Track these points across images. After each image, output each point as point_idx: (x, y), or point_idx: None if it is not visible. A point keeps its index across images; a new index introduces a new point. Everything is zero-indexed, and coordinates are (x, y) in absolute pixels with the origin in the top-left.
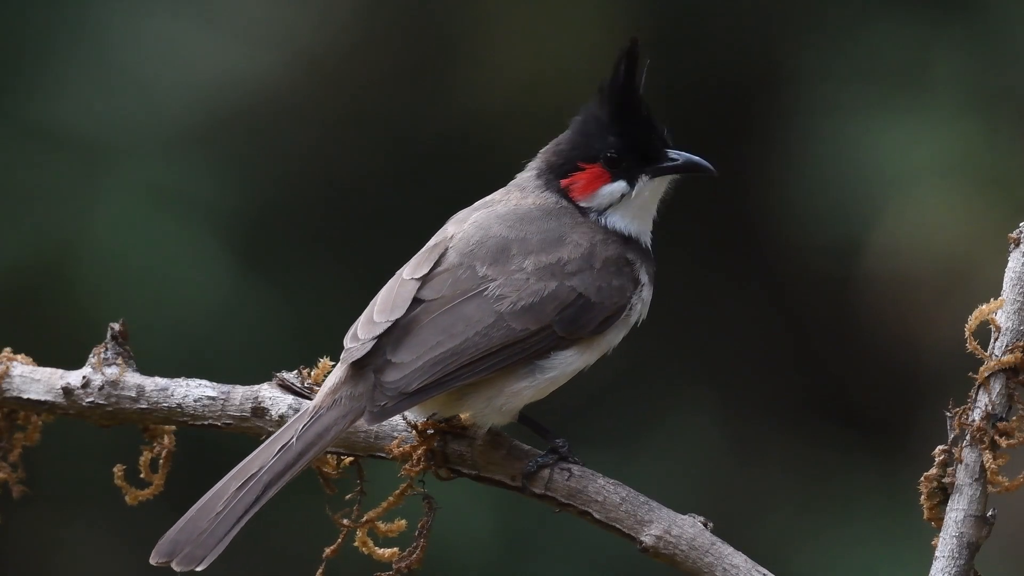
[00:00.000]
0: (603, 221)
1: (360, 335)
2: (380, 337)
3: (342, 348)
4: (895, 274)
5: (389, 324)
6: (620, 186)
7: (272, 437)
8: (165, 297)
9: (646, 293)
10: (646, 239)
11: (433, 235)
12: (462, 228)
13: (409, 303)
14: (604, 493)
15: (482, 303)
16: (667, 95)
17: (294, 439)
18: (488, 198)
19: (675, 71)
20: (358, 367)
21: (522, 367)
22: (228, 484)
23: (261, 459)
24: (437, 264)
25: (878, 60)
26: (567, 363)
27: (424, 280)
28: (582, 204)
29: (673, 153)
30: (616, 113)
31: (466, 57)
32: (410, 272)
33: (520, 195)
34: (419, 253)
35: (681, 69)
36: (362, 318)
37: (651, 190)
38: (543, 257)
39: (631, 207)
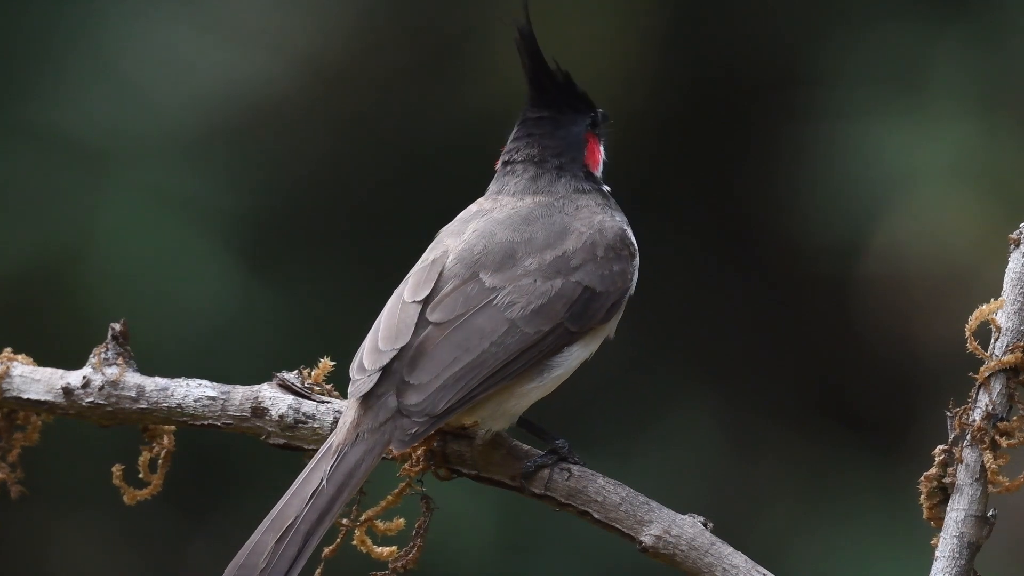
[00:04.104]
0: None
1: (367, 365)
2: (388, 365)
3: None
4: (896, 274)
5: (395, 352)
6: None
7: (300, 480)
8: (167, 299)
9: (637, 259)
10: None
11: (425, 251)
12: (462, 239)
13: (414, 328)
14: (604, 493)
15: (493, 313)
16: (668, 95)
17: (324, 482)
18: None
19: (676, 72)
20: (371, 397)
21: (534, 368)
22: (265, 537)
23: (295, 507)
24: (438, 282)
25: (879, 62)
26: (573, 358)
27: (429, 301)
28: None
29: None
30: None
31: (472, 59)
32: (411, 294)
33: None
34: (415, 271)
35: (683, 70)
36: (366, 345)
37: None
38: (548, 253)
39: None
